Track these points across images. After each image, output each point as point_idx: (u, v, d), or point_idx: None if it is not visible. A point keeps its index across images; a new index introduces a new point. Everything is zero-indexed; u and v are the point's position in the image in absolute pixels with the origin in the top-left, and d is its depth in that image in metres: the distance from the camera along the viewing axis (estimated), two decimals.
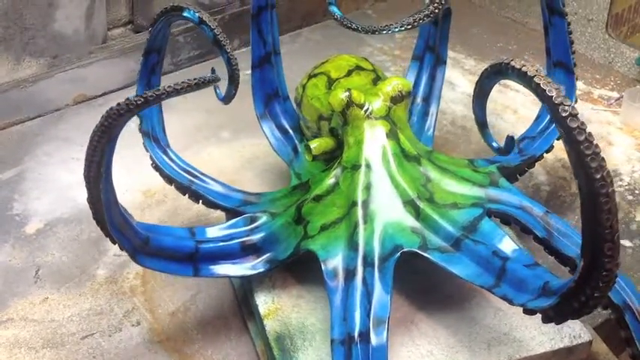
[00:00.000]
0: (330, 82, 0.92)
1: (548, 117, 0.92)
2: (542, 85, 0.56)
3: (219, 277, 0.81)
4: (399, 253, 0.73)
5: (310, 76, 0.96)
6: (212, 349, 0.83)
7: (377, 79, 0.92)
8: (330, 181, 0.82)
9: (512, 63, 0.59)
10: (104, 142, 0.64)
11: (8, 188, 1.08)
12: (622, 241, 0.95)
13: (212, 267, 0.79)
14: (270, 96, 0.99)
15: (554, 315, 0.62)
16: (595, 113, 1.22)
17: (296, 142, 0.97)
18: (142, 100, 0.62)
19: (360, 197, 0.78)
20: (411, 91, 0.85)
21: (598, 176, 0.53)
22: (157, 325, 0.86)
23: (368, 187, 0.79)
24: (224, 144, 1.17)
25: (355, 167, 0.81)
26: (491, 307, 0.78)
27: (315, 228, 0.79)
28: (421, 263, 0.74)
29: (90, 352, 0.83)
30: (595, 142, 0.53)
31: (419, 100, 1.01)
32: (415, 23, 0.83)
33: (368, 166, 0.80)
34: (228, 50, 0.80)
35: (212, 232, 0.81)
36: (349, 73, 0.92)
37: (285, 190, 0.87)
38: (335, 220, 0.79)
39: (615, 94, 1.27)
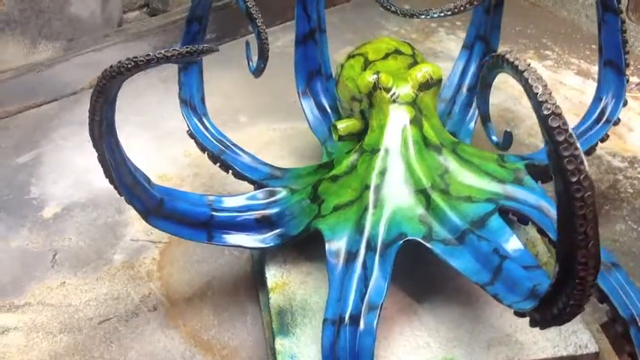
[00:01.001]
0: (367, 64, 0.91)
1: (593, 119, 0.89)
2: (529, 81, 0.55)
3: (231, 246, 0.83)
4: (402, 241, 0.73)
5: (349, 57, 0.95)
6: (228, 335, 0.83)
7: (414, 65, 0.90)
8: (348, 162, 0.82)
9: (507, 56, 0.58)
10: (101, 102, 0.67)
11: (25, 172, 1.09)
12: None
13: (225, 236, 0.81)
14: (312, 73, 0.99)
15: (539, 319, 0.61)
16: None
17: (333, 121, 0.97)
18: (133, 63, 0.64)
19: (373, 181, 0.78)
20: (441, 79, 0.83)
21: (574, 179, 0.51)
22: (174, 310, 0.86)
23: (383, 172, 0.79)
24: (242, 128, 1.16)
25: (374, 151, 0.81)
26: (498, 306, 0.75)
27: (328, 208, 0.79)
28: (432, 254, 0.74)
29: (107, 336, 0.83)
30: (576, 143, 0.52)
31: (464, 89, 0.99)
32: (456, 10, 0.81)
33: (387, 150, 0.80)
34: (259, 24, 0.80)
35: (229, 202, 0.83)
36: (386, 57, 0.91)
37: (310, 168, 0.87)
38: (347, 201, 0.79)
39: (636, 79, 1.25)
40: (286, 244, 0.82)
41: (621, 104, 0.88)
